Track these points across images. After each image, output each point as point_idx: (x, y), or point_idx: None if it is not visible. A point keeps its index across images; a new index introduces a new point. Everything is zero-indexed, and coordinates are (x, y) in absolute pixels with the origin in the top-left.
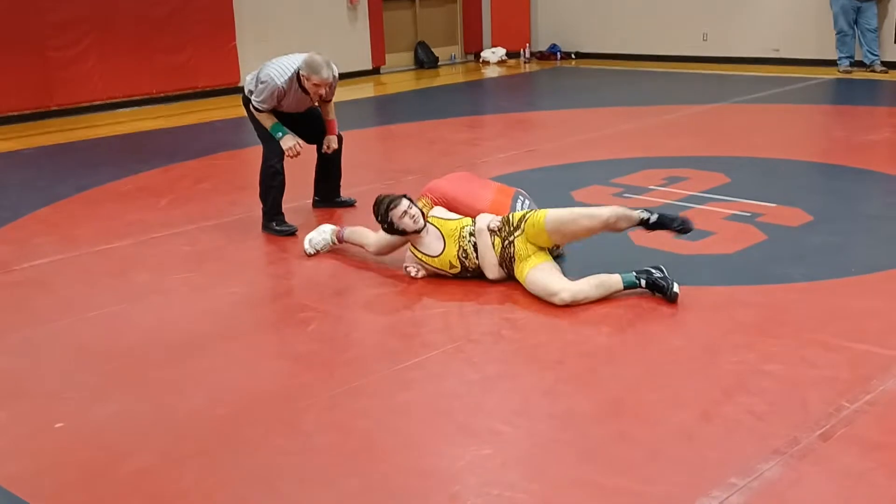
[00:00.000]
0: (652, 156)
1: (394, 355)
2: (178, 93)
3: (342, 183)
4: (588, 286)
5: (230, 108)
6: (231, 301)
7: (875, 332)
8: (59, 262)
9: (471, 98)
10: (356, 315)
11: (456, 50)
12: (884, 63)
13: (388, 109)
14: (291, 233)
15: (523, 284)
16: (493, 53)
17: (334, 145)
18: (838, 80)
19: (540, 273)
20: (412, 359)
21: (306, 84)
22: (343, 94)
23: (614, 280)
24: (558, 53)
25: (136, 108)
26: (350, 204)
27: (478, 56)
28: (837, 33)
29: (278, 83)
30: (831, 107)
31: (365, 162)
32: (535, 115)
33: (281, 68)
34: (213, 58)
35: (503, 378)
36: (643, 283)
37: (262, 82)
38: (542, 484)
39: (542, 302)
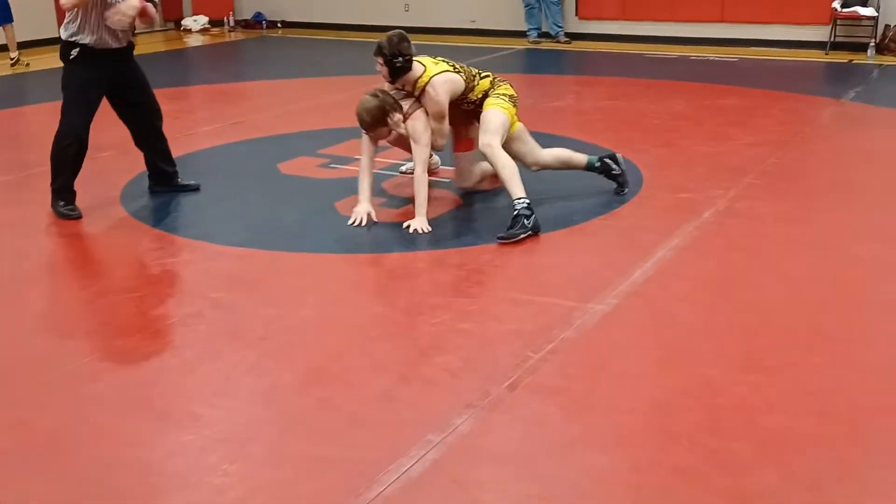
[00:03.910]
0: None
1: (82, 345)
2: None
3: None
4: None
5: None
6: None
7: (556, 285)
8: None
9: (172, 68)
10: (39, 307)
11: None
12: (567, 34)
13: None
14: (75, 217)
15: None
16: (194, 21)
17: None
18: (528, 49)
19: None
20: (104, 348)
21: None
22: (37, 64)
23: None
24: (264, 22)
25: None
26: (195, 188)
27: (178, 24)
28: (525, 6)
29: None
30: (523, 75)
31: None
32: (241, 86)
33: None
34: None
35: (204, 360)
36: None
37: None
38: (242, 463)
39: (247, 281)
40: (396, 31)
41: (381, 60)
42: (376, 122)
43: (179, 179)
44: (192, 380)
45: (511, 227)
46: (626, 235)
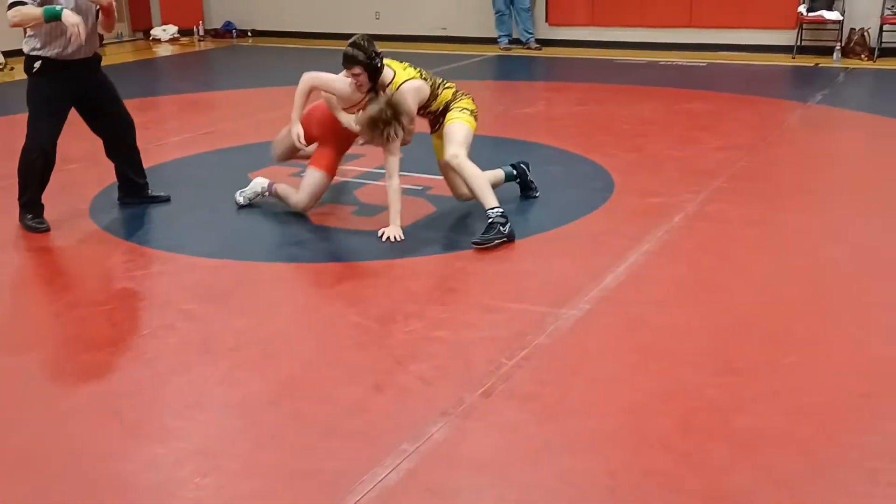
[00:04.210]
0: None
1: (52, 359)
2: None
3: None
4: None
5: None
6: None
7: (530, 291)
8: None
9: (141, 78)
10: (7, 321)
11: (122, 27)
12: (538, 40)
13: None
14: (43, 230)
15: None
16: (164, 31)
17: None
18: (499, 56)
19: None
20: (75, 361)
21: None
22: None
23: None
24: (234, 31)
25: None
26: (165, 200)
27: (147, 33)
28: (496, 13)
29: None
30: (494, 82)
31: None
32: (211, 96)
33: None
34: None
35: (176, 372)
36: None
37: None
38: (215, 476)
39: (219, 292)
40: (359, 35)
41: (359, 69)
42: (374, 136)
43: (150, 191)
44: (164, 392)
45: (486, 233)
46: (598, 240)
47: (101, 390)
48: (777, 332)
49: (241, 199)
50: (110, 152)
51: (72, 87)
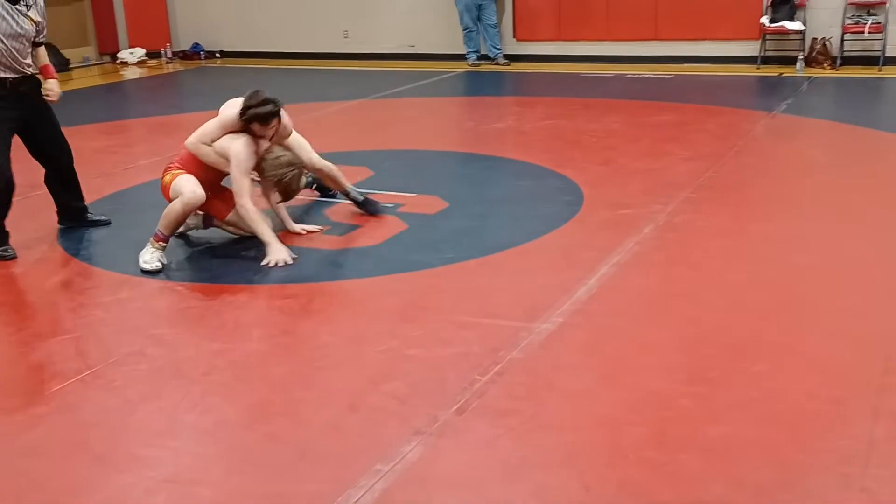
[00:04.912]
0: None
1: (16, 391)
2: None
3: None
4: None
5: None
6: None
7: (502, 306)
8: None
9: (108, 102)
10: None
11: (89, 51)
12: (506, 56)
13: None
14: (9, 258)
15: None
16: (131, 54)
17: (57, 89)
18: (468, 73)
19: None
20: (40, 392)
21: None
22: None
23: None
24: (202, 52)
25: None
26: (106, 223)
27: (114, 57)
28: (464, 30)
29: None
30: (463, 98)
31: None
32: (180, 118)
33: None
34: None
35: (147, 399)
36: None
37: None
38: None
39: (189, 316)
40: (251, 91)
41: (276, 119)
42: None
43: (89, 215)
44: (134, 420)
45: (368, 206)
46: (569, 254)
47: (68, 420)
48: (747, 341)
49: (149, 266)
50: (52, 181)
51: (20, 112)
